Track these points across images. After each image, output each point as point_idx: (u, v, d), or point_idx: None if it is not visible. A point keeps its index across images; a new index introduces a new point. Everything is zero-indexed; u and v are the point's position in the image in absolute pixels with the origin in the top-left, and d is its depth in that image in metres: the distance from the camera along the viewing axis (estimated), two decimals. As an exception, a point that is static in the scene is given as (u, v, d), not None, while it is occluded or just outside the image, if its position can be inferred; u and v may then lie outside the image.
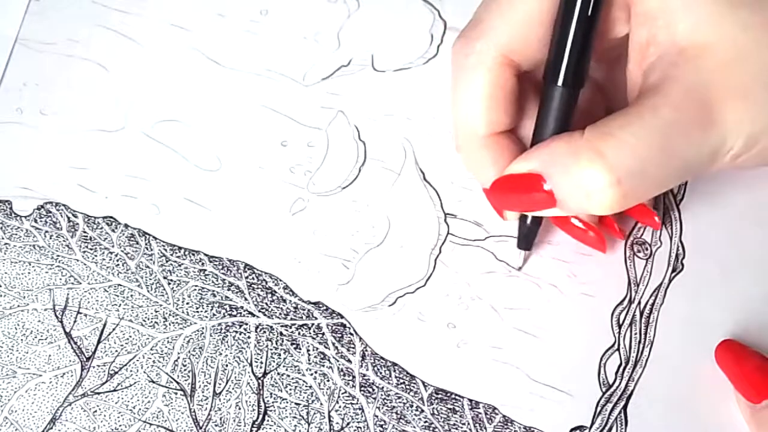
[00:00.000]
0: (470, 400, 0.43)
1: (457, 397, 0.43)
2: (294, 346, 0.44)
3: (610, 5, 0.38)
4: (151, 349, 0.45)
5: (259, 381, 0.44)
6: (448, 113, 0.43)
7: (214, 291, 0.45)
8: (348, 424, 0.43)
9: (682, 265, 0.45)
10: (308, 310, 0.45)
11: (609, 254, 0.45)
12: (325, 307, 0.45)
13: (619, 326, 0.44)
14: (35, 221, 0.47)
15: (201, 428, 0.43)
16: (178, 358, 0.44)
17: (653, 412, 0.43)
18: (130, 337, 0.45)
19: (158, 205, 0.47)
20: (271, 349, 0.44)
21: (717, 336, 0.43)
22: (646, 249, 0.45)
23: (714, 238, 0.45)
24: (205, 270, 0.46)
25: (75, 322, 0.45)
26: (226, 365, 0.44)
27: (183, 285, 0.46)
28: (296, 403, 0.43)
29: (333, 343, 0.44)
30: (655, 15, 0.37)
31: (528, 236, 0.44)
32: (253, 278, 0.46)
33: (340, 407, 0.43)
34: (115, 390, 0.44)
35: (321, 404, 0.43)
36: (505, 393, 0.43)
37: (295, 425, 0.43)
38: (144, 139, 0.48)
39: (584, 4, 0.37)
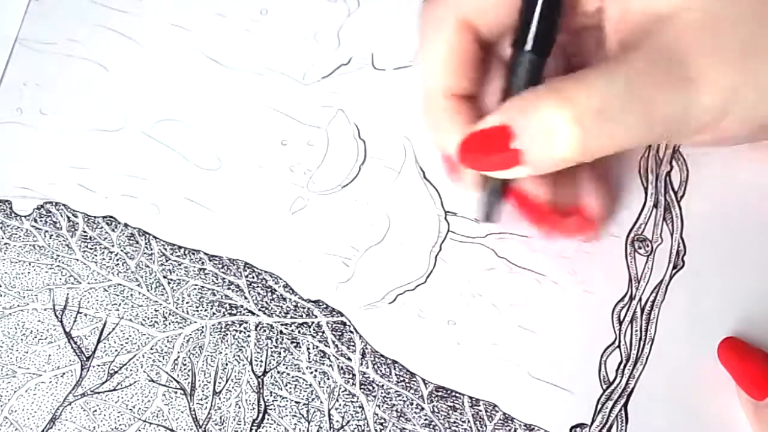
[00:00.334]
0: (470, 398, 0.43)
1: (457, 395, 0.43)
2: (294, 344, 0.44)
3: None
4: (151, 349, 0.45)
5: (259, 379, 0.44)
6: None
7: (214, 290, 0.45)
8: (348, 422, 0.43)
9: (683, 261, 0.45)
10: (308, 308, 0.45)
11: (609, 251, 0.45)
12: (325, 305, 0.45)
13: (620, 323, 0.44)
14: (35, 221, 0.47)
15: (201, 427, 0.43)
16: (178, 357, 0.44)
17: (654, 409, 0.43)
18: (130, 336, 0.45)
19: (158, 205, 0.47)
20: (271, 348, 0.44)
21: (718, 333, 0.43)
22: (647, 245, 0.45)
23: (715, 234, 0.45)
24: (205, 269, 0.46)
25: (75, 321, 0.45)
26: (226, 364, 0.44)
27: (183, 284, 0.46)
28: (296, 402, 0.43)
29: (333, 341, 0.44)
30: None
31: (491, 207, 0.42)
32: (253, 277, 0.45)
33: (340, 405, 0.43)
34: (114, 389, 0.44)
35: (321, 402, 0.43)
36: (506, 390, 0.43)
37: (295, 424, 0.43)
38: (144, 138, 0.48)
39: None
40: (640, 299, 0.44)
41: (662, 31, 0.36)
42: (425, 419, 0.43)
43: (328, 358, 0.44)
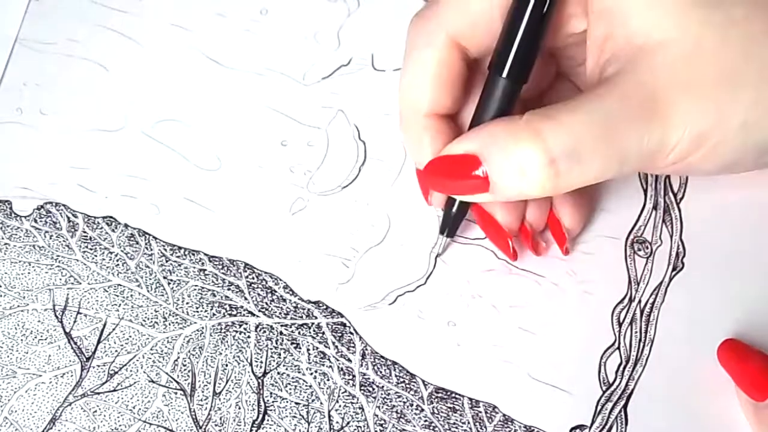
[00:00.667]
0: (470, 399, 0.43)
1: (457, 396, 0.43)
2: (294, 345, 0.44)
3: (566, 0, 0.39)
4: (151, 349, 0.45)
5: (259, 380, 0.44)
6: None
7: (214, 291, 0.45)
8: (348, 423, 0.43)
9: (683, 263, 0.45)
10: (308, 309, 0.45)
11: (609, 252, 0.45)
12: (325, 307, 0.45)
13: (620, 325, 0.44)
14: (35, 221, 0.47)
15: (201, 428, 0.43)
16: (178, 357, 0.44)
17: (654, 410, 0.43)
18: (130, 337, 0.45)
19: (158, 205, 0.47)
20: (271, 349, 0.44)
21: (717, 334, 0.43)
22: (647, 247, 0.45)
23: (714, 236, 0.45)
24: (205, 270, 0.46)
25: (75, 322, 0.45)
26: (226, 365, 0.44)
27: (183, 285, 0.46)
28: (296, 403, 0.43)
29: (333, 343, 0.44)
30: (612, 11, 0.37)
31: (454, 222, 0.43)
32: (253, 278, 0.46)
33: (340, 406, 0.43)
34: (115, 390, 0.44)
35: (321, 403, 0.43)
36: (506, 391, 0.43)
37: (295, 425, 0.43)
38: (144, 139, 0.48)
39: (538, 0, 0.37)
40: (639, 301, 0.44)
41: (640, 66, 0.36)
42: (425, 420, 0.43)
43: (328, 359, 0.44)
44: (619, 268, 0.45)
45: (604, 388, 0.43)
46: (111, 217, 0.47)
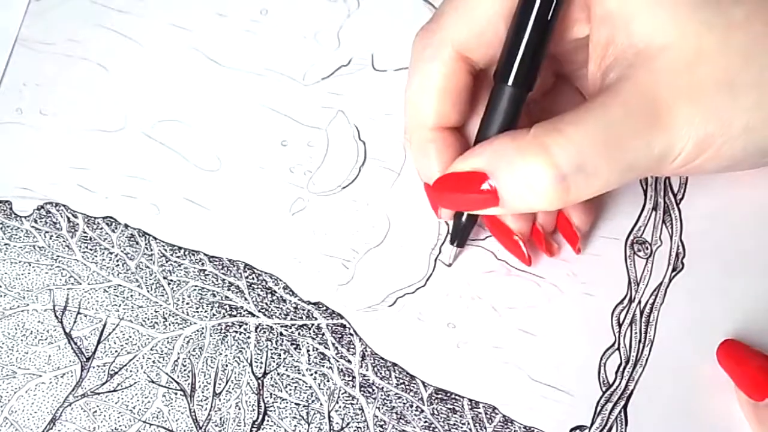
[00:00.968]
0: (470, 400, 0.43)
1: (457, 397, 0.43)
2: (294, 346, 0.44)
3: (569, 6, 0.39)
4: (151, 350, 0.45)
5: (259, 381, 0.44)
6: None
7: (214, 291, 0.45)
8: (348, 424, 0.43)
9: (683, 264, 0.45)
10: (308, 310, 0.45)
11: (609, 253, 0.45)
12: (325, 308, 0.45)
13: (620, 325, 0.44)
14: (35, 221, 0.47)
15: (201, 428, 0.43)
16: (178, 358, 0.44)
17: (653, 411, 0.43)
18: (130, 337, 0.45)
19: (158, 205, 0.47)
20: (271, 350, 0.44)
21: (717, 335, 0.43)
22: (647, 248, 0.45)
23: (714, 236, 0.45)
24: (205, 270, 0.46)
25: (75, 322, 0.45)
26: (226, 365, 0.44)
27: (183, 285, 0.46)
28: (296, 404, 0.43)
29: (333, 344, 0.44)
30: (614, 16, 0.37)
31: (463, 233, 0.44)
32: (253, 278, 0.46)
33: (340, 407, 0.43)
34: (115, 390, 0.44)
35: (321, 404, 0.43)
36: (505, 393, 0.43)
37: (295, 425, 0.43)
38: (144, 139, 0.48)
39: (542, 7, 0.37)
40: (639, 302, 0.44)
41: (641, 73, 0.36)
42: (425, 421, 0.43)
43: (328, 360, 0.44)
44: (618, 269, 0.45)
45: (604, 388, 0.43)
46: (111, 217, 0.47)
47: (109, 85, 0.49)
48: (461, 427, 0.43)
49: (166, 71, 0.49)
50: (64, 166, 0.48)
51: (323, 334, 0.44)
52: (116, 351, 0.45)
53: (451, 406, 0.43)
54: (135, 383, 0.44)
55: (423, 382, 0.44)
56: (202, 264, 0.46)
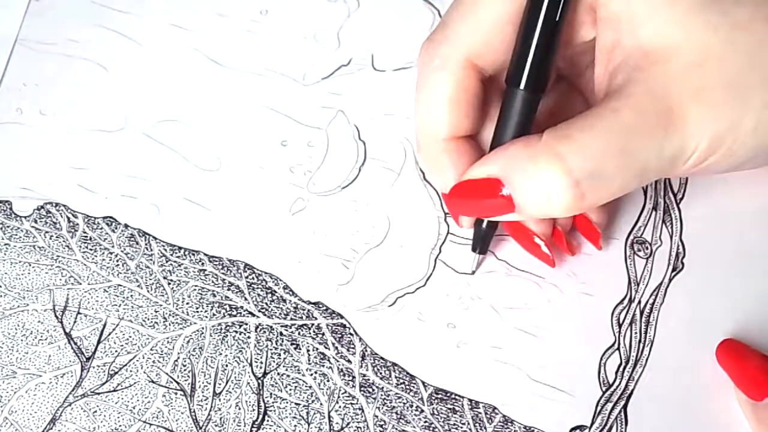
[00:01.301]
0: (470, 400, 0.43)
1: (457, 397, 0.43)
2: (294, 346, 0.44)
3: (575, 9, 0.38)
4: (151, 349, 0.45)
5: (259, 381, 0.44)
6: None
7: (214, 291, 0.45)
8: (348, 424, 0.43)
9: (683, 264, 0.45)
10: (308, 310, 0.45)
11: (609, 253, 0.45)
12: (325, 308, 0.45)
13: (620, 325, 0.44)
14: (35, 222, 0.47)
15: (201, 428, 0.43)
16: (178, 358, 0.44)
17: (653, 411, 0.43)
18: (130, 337, 0.45)
19: (158, 205, 0.47)
20: (271, 349, 0.44)
21: (717, 335, 0.43)
22: (647, 248, 0.45)
23: (714, 236, 0.45)
24: (205, 270, 0.46)
25: (75, 322, 0.45)
26: (226, 365, 0.44)
27: (183, 285, 0.46)
28: (296, 403, 0.43)
29: (333, 344, 0.44)
30: (620, 19, 0.37)
31: (484, 240, 0.44)
32: (253, 278, 0.46)
33: (340, 407, 0.43)
34: (115, 390, 0.44)
35: (321, 404, 0.43)
36: (505, 393, 0.43)
37: (295, 425, 0.43)
38: (144, 139, 0.48)
39: (550, 10, 0.37)
40: (639, 302, 0.44)
41: (650, 75, 0.36)
42: (425, 421, 0.43)
43: (328, 360, 0.44)
44: (618, 269, 0.45)
45: (603, 388, 0.43)
46: (111, 217, 0.47)
47: (109, 85, 0.49)
48: (461, 427, 0.43)
49: (166, 71, 0.49)
50: (64, 166, 0.48)
51: (323, 334, 0.44)
52: (116, 351, 0.45)
53: (451, 406, 0.43)
54: (135, 383, 0.44)
55: (423, 382, 0.44)
56: (202, 264, 0.46)
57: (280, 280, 0.45)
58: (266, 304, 0.45)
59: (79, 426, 0.43)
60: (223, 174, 0.47)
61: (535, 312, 0.44)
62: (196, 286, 0.46)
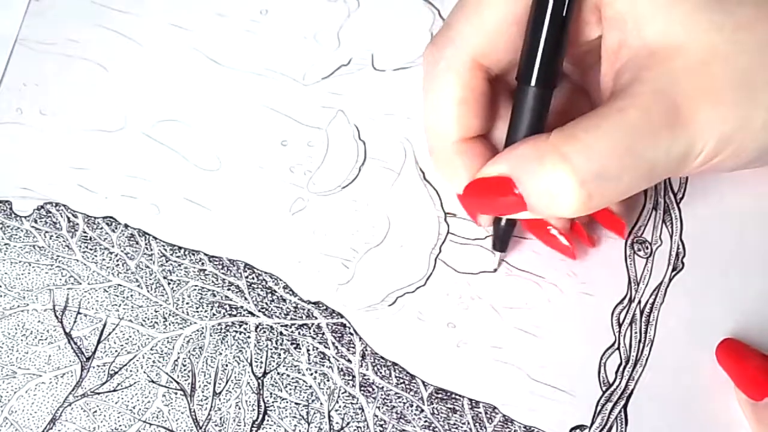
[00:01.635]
0: (470, 400, 0.43)
1: (457, 397, 0.43)
2: (294, 345, 0.44)
3: (580, 8, 0.38)
4: (151, 349, 0.45)
5: (259, 381, 0.44)
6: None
7: (214, 291, 0.45)
8: (348, 423, 0.43)
9: (683, 263, 0.45)
10: (308, 309, 0.45)
11: (609, 253, 0.45)
12: (325, 307, 0.45)
13: (620, 325, 0.44)
14: (35, 221, 0.47)
15: (201, 428, 0.43)
16: (178, 358, 0.44)
17: (653, 411, 0.43)
18: (130, 337, 0.45)
19: (158, 205, 0.47)
20: (271, 349, 0.44)
21: (717, 335, 0.43)
22: (647, 247, 0.45)
23: (714, 236, 0.45)
24: (205, 270, 0.46)
25: (75, 322, 0.45)
26: (226, 365, 0.44)
27: (183, 285, 0.46)
28: (296, 403, 0.43)
29: (333, 343, 0.44)
30: (625, 18, 0.37)
31: (503, 238, 0.44)
32: (253, 278, 0.46)
33: (340, 407, 0.43)
34: (115, 390, 0.44)
35: (321, 404, 0.43)
36: (505, 392, 0.43)
37: (295, 425, 0.43)
38: (144, 139, 0.48)
39: (556, 5, 0.37)
40: (639, 301, 0.44)
41: (656, 74, 0.36)
42: (425, 421, 0.43)
43: (328, 360, 0.44)
44: (618, 269, 0.45)
45: (604, 388, 0.43)
46: (111, 217, 0.47)
47: (109, 85, 0.49)
48: (461, 427, 0.43)
49: (166, 71, 0.49)
50: (64, 166, 0.48)
51: (323, 334, 0.44)
52: (116, 351, 0.45)
53: (451, 406, 0.43)
54: (135, 383, 0.44)
55: (423, 382, 0.44)
56: (202, 264, 0.46)
57: (280, 279, 0.45)
58: (266, 303, 0.45)
59: (79, 426, 0.43)
60: (223, 174, 0.47)
61: (535, 312, 0.44)
62: (196, 285, 0.46)
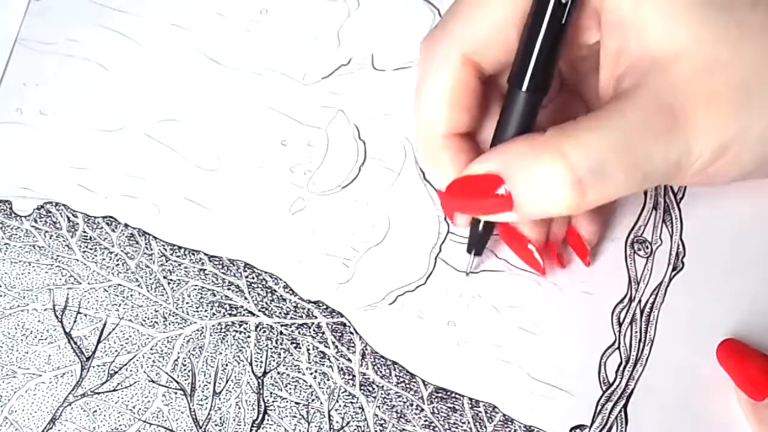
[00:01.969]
0: (470, 399, 0.43)
1: (457, 396, 0.43)
2: (294, 345, 0.44)
3: (579, 13, 0.38)
4: (151, 349, 0.45)
5: (259, 380, 0.44)
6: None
7: (214, 290, 0.45)
8: (348, 423, 0.43)
9: (683, 263, 0.45)
10: (308, 309, 0.45)
11: (609, 252, 0.45)
12: (325, 306, 0.45)
13: (620, 325, 0.44)
14: (35, 221, 0.47)
15: (201, 428, 0.43)
16: (178, 357, 0.44)
17: (654, 410, 0.43)
18: (130, 336, 0.45)
19: (158, 205, 0.47)
20: (271, 349, 0.44)
21: (717, 334, 0.43)
22: (647, 247, 0.45)
23: (714, 236, 0.45)
24: (205, 269, 0.46)
25: (75, 322, 0.45)
26: (226, 364, 0.44)
27: (183, 285, 0.46)
28: (296, 403, 0.43)
29: (333, 342, 0.44)
30: (626, 24, 0.37)
31: (480, 241, 0.43)
32: (253, 277, 0.46)
33: (340, 406, 0.43)
34: (115, 390, 0.44)
35: (321, 403, 0.43)
36: (506, 391, 0.43)
37: (295, 424, 0.43)
38: (144, 139, 0.48)
39: (555, 11, 0.37)
40: (639, 301, 0.44)
41: (657, 80, 0.36)
42: (425, 420, 0.43)
43: (328, 359, 0.44)
44: (619, 268, 0.45)
45: (604, 387, 0.43)
46: (111, 217, 0.47)
47: (109, 85, 0.49)
48: (461, 426, 0.43)
49: (166, 71, 0.49)
50: (64, 166, 0.48)
51: (323, 333, 0.44)
52: (116, 350, 0.45)
53: (452, 405, 0.43)
54: (135, 383, 0.44)
55: (423, 381, 0.44)
56: (202, 263, 0.46)
57: (280, 279, 0.45)
58: (266, 303, 0.45)
59: (79, 426, 0.43)
60: (223, 174, 0.47)
61: (535, 310, 0.44)
62: (196, 285, 0.46)
